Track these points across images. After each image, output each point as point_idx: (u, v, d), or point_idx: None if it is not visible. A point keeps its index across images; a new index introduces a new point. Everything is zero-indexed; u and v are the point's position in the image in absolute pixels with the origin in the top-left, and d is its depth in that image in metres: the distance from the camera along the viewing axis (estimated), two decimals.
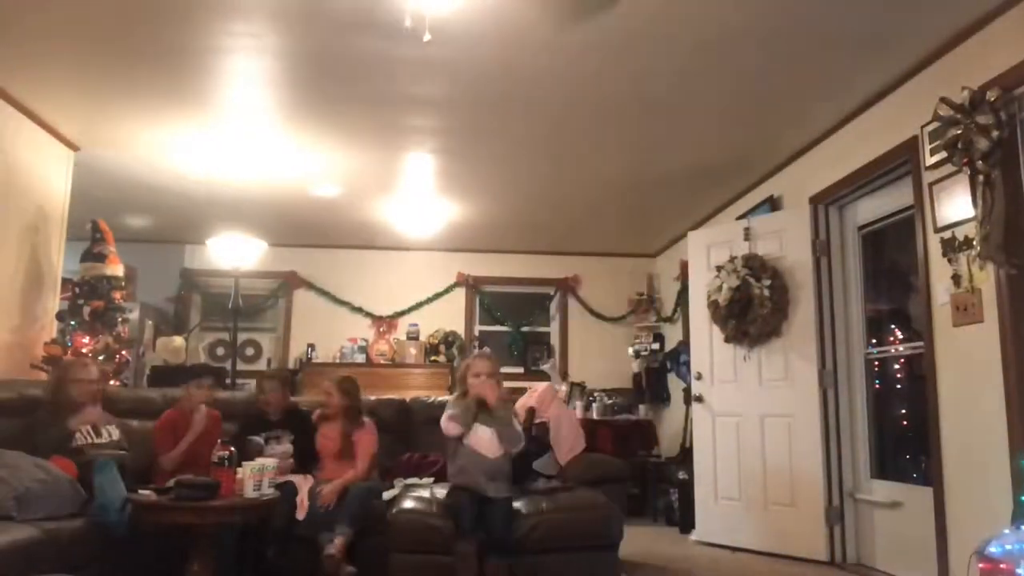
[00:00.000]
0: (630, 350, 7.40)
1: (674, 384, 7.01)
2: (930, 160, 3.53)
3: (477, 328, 8.05)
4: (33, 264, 4.67)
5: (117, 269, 4.90)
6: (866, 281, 4.57)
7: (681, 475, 5.50)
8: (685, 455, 5.74)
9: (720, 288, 4.94)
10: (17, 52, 3.76)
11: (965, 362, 3.38)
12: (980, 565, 2.37)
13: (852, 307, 4.58)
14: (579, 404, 6.71)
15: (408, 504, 3.40)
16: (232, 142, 4.90)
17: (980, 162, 3.09)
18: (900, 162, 3.88)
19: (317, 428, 3.90)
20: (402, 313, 7.86)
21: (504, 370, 7.33)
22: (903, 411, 4.37)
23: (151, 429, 3.87)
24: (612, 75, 3.89)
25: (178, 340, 6.69)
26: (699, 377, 5.22)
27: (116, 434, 3.62)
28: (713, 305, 5.03)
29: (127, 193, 5.98)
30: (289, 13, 3.32)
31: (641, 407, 7.16)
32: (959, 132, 3.17)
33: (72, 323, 4.66)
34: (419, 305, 7.89)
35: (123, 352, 4.81)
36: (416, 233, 6.89)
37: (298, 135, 4.79)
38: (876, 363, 4.47)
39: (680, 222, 6.66)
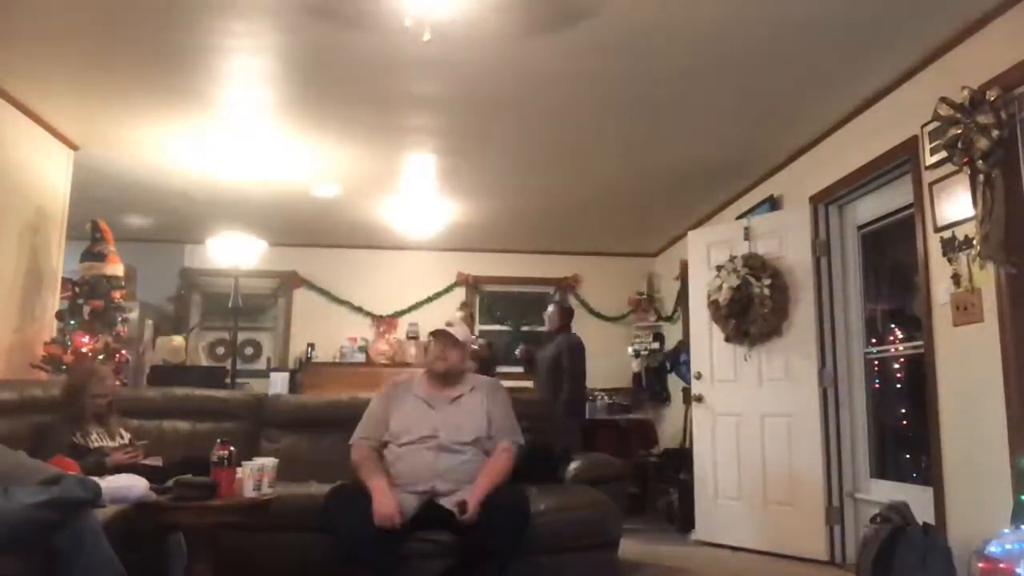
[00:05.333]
0: (630, 350, 7.40)
1: (674, 384, 7.01)
2: (930, 160, 3.53)
3: (477, 328, 8.05)
4: (33, 264, 4.67)
5: (117, 269, 4.90)
6: (866, 280, 4.57)
7: (682, 475, 5.50)
8: (682, 453, 5.75)
9: (720, 288, 4.94)
10: (17, 52, 3.77)
11: (965, 362, 3.38)
12: (980, 565, 2.37)
13: (852, 307, 4.58)
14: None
15: None
16: (232, 142, 4.90)
17: (980, 162, 3.09)
18: (900, 162, 3.88)
19: None
20: (402, 312, 7.87)
21: (504, 369, 7.44)
22: (903, 411, 4.37)
23: (149, 428, 3.88)
24: (612, 75, 3.89)
25: (178, 340, 6.70)
26: (699, 377, 5.22)
27: (127, 437, 3.65)
28: (713, 305, 5.03)
29: (127, 193, 5.98)
30: (289, 13, 3.32)
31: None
32: (959, 132, 3.16)
33: (72, 323, 4.66)
34: (419, 305, 7.89)
35: (123, 352, 4.81)
36: (416, 233, 6.88)
37: (298, 135, 4.79)
38: (876, 363, 4.47)
39: (680, 222, 6.66)
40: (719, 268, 5.01)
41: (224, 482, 2.91)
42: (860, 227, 4.57)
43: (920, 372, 3.84)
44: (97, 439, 3.50)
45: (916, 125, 3.64)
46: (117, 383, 4.46)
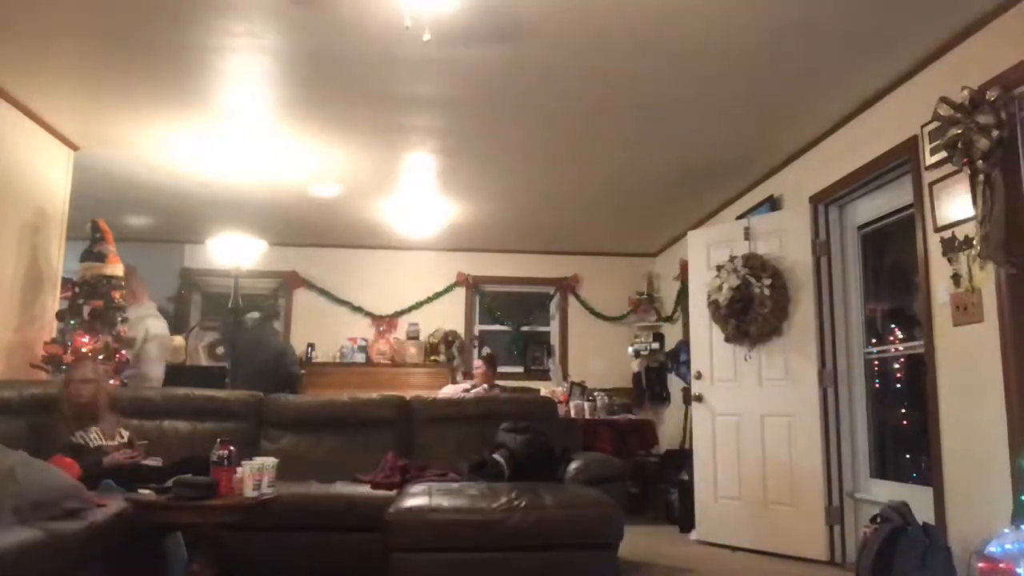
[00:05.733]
0: (630, 350, 7.40)
1: (674, 384, 7.01)
2: (930, 160, 3.53)
3: (477, 328, 8.06)
4: (33, 264, 4.67)
5: (117, 269, 4.90)
6: (866, 280, 4.57)
7: (682, 475, 5.50)
8: (682, 453, 5.74)
9: (720, 288, 4.94)
10: (17, 52, 3.77)
11: (965, 362, 3.38)
12: (980, 565, 2.37)
13: (852, 307, 4.58)
14: (577, 403, 6.71)
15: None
16: (232, 141, 4.90)
17: (980, 162, 3.09)
18: (900, 162, 3.88)
19: None
20: (402, 313, 7.87)
21: (504, 370, 7.44)
22: (903, 411, 4.37)
23: (149, 428, 3.90)
24: (613, 75, 3.89)
25: (178, 340, 6.70)
26: (699, 376, 5.22)
27: (127, 436, 3.66)
28: (713, 305, 5.03)
29: (127, 193, 5.98)
30: (289, 12, 3.32)
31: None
32: (959, 132, 3.16)
33: (72, 322, 4.66)
34: (419, 305, 7.90)
35: (123, 351, 4.81)
36: (416, 233, 6.88)
37: (298, 135, 4.79)
38: (875, 363, 4.47)
39: (680, 222, 6.66)
40: (719, 268, 5.01)
41: (224, 482, 2.92)
42: (860, 227, 4.56)
43: (920, 372, 3.84)
44: (97, 438, 3.52)
45: (916, 125, 3.64)
46: (112, 379, 4.45)
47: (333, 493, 3.72)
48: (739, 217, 5.59)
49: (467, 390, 5.98)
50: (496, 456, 3.88)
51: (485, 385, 6.04)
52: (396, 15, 3.16)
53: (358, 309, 7.82)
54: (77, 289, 4.79)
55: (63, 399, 3.61)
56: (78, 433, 3.49)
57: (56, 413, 3.61)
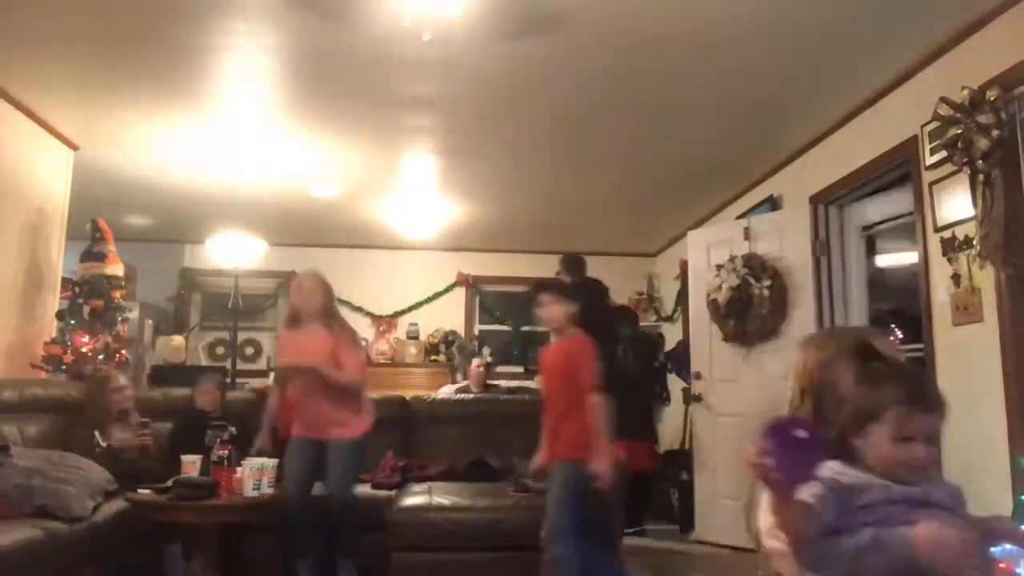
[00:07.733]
0: None
1: (674, 384, 7.00)
2: (930, 160, 3.53)
3: (477, 327, 8.06)
4: (33, 264, 4.67)
5: (117, 268, 4.91)
6: (869, 280, 4.57)
7: (682, 475, 5.50)
8: (682, 453, 5.74)
9: (720, 287, 4.94)
10: (17, 52, 3.76)
11: (965, 362, 3.37)
12: None
13: (853, 307, 4.57)
14: None
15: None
16: (232, 142, 4.90)
17: (980, 162, 3.08)
18: (900, 162, 3.88)
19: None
20: (402, 312, 7.87)
21: (503, 370, 7.43)
22: None
23: None
24: (612, 75, 3.89)
25: (178, 340, 6.71)
26: (699, 376, 5.22)
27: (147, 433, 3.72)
28: (713, 304, 5.03)
29: (127, 193, 5.98)
30: (289, 12, 3.32)
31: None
32: (959, 132, 3.16)
33: (72, 322, 4.66)
34: (419, 304, 7.89)
35: (123, 352, 4.81)
36: (416, 233, 6.88)
37: (298, 135, 4.79)
38: None
39: (680, 222, 6.65)
40: (719, 268, 5.01)
41: (224, 482, 2.92)
42: (864, 228, 4.55)
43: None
44: (110, 437, 3.60)
45: (916, 125, 3.63)
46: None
47: None
48: (739, 217, 5.59)
49: (461, 390, 5.98)
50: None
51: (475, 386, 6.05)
52: (396, 15, 3.16)
53: (358, 309, 7.81)
54: (77, 289, 4.79)
55: (92, 404, 3.66)
56: (95, 432, 3.54)
57: (80, 416, 3.67)
